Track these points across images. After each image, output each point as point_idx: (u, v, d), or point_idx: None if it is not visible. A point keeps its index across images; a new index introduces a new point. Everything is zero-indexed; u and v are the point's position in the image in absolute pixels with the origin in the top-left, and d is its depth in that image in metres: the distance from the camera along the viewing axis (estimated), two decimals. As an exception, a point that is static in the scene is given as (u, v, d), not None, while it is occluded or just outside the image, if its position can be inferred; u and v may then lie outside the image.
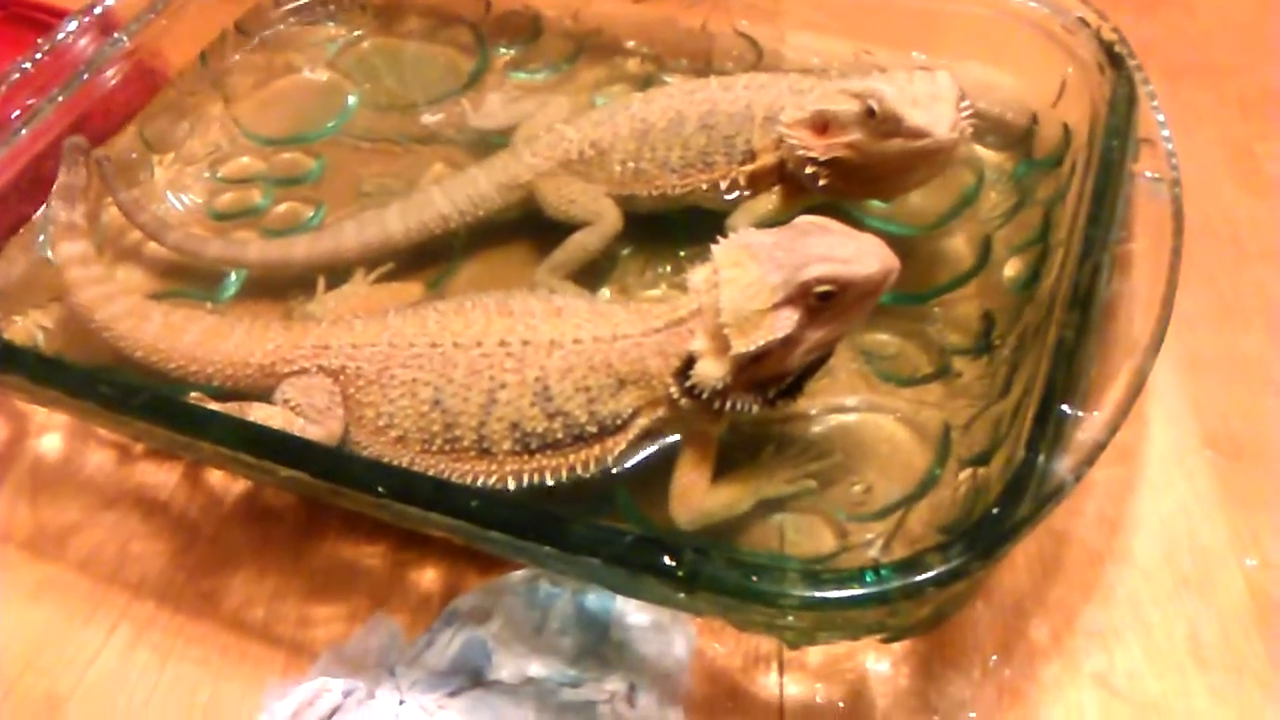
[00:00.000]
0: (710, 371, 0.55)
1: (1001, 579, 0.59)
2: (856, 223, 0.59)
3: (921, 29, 0.78)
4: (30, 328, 0.70)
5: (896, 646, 0.56)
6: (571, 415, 0.57)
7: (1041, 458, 0.50)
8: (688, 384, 0.56)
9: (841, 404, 0.64)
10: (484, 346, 0.58)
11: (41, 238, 0.73)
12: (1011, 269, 0.68)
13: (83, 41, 0.79)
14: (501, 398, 0.58)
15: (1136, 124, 0.64)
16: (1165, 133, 0.64)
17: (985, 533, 0.48)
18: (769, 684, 0.57)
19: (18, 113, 0.74)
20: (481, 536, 0.53)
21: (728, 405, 0.56)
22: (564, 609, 0.59)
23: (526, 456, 0.58)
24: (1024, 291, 0.66)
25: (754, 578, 0.47)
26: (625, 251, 0.73)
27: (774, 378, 0.56)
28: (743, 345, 0.54)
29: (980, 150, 0.75)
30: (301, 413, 0.61)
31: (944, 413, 0.63)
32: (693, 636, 0.58)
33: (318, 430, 0.61)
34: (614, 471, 0.60)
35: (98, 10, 0.80)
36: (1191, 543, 0.61)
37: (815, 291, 0.53)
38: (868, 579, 0.47)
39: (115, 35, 0.79)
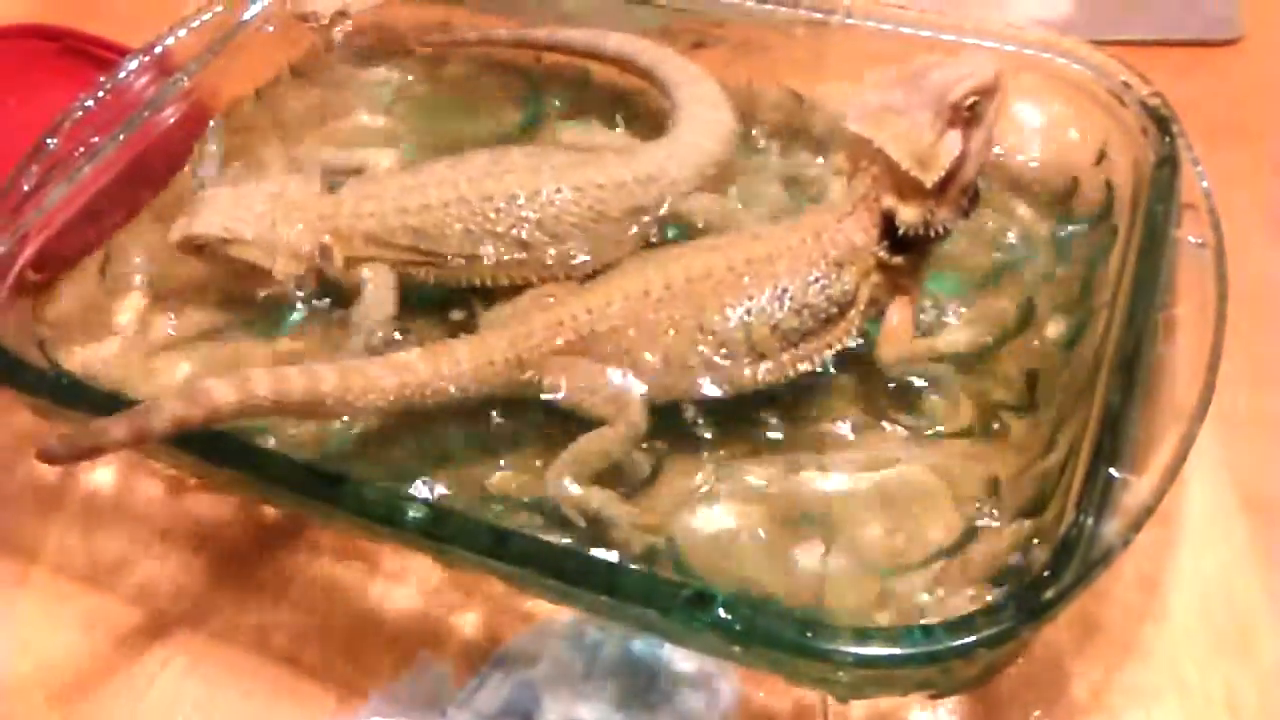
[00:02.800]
0: (912, 214, 0.64)
1: (1044, 635, 0.60)
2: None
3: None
4: (89, 359, 0.72)
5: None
6: (814, 305, 0.65)
7: (1090, 521, 0.51)
8: (897, 238, 0.65)
9: (887, 455, 0.65)
10: (715, 275, 0.66)
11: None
12: (1054, 329, 0.69)
13: (142, 80, 0.81)
14: (754, 308, 0.65)
15: (1180, 189, 0.66)
16: (1208, 198, 0.65)
17: (1037, 595, 0.49)
18: (813, 734, 0.58)
19: (81, 150, 0.75)
20: (537, 583, 0.54)
21: (934, 232, 0.65)
22: (611, 654, 0.60)
23: (793, 349, 0.66)
24: (1067, 351, 0.67)
25: (808, 634, 0.49)
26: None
27: (961, 192, 0.65)
28: (933, 175, 0.63)
29: (1021, 210, 0.76)
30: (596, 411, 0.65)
31: (987, 467, 0.64)
32: (738, 685, 0.59)
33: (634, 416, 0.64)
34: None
35: (157, 50, 0.82)
36: (1229, 603, 0.62)
37: (965, 106, 0.62)
38: (921, 638, 0.48)
39: (176, 76, 0.81)
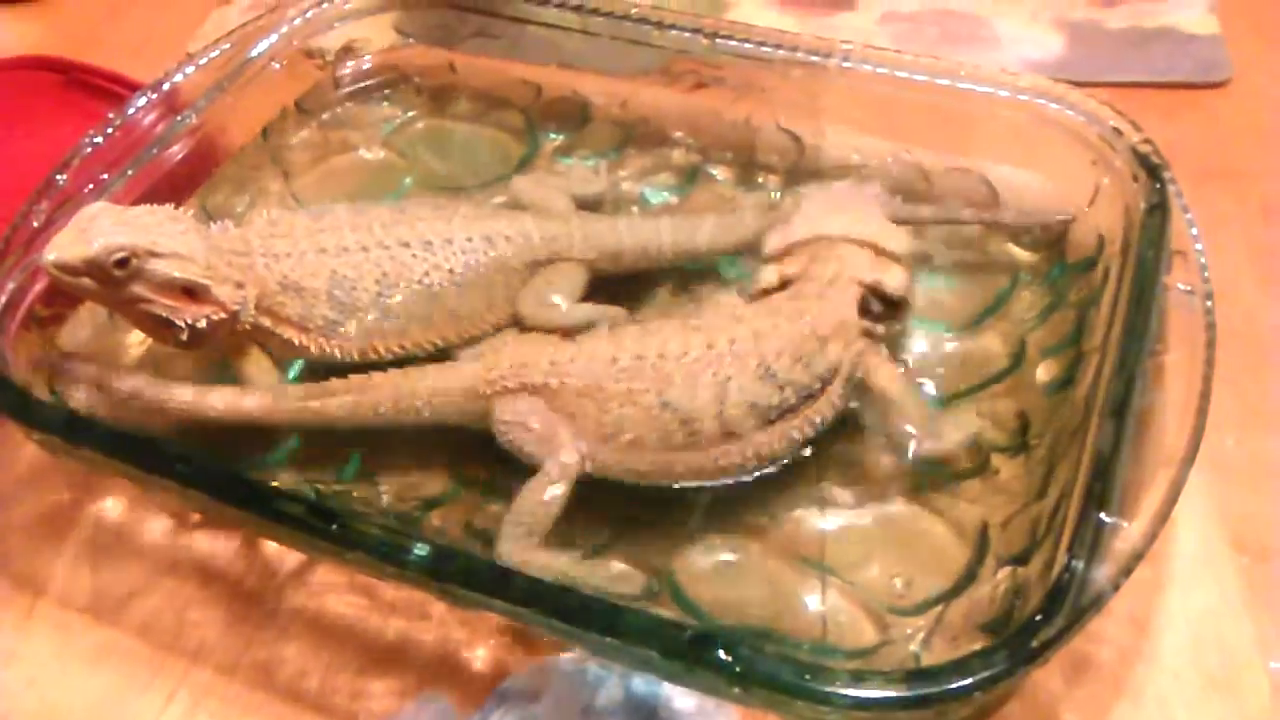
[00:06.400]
0: (897, 279, 0.68)
1: (1035, 674, 0.61)
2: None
3: (958, 131, 0.80)
4: (89, 403, 0.72)
5: (935, 740, 0.58)
6: (797, 381, 0.64)
7: (1081, 565, 0.52)
8: (878, 308, 0.68)
9: (881, 496, 0.66)
10: (692, 353, 0.64)
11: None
12: (1045, 371, 0.70)
13: (150, 117, 0.82)
14: (732, 387, 0.64)
15: (1170, 236, 0.67)
16: (1198, 245, 0.67)
17: (1030, 639, 0.50)
18: (809, 771, 0.58)
19: (90, 186, 0.76)
20: (541, 623, 0.55)
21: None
22: (612, 691, 0.61)
23: (769, 426, 0.64)
24: (1058, 393, 0.68)
25: (807, 676, 0.50)
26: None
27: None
28: (905, 241, 0.70)
29: (1014, 251, 0.78)
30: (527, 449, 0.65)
31: (981, 510, 0.65)
32: (736, 723, 0.60)
33: (564, 456, 0.64)
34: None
35: (165, 87, 0.83)
36: (1219, 644, 0.63)
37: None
38: (916, 681, 0.49)
39: (184, 112, 0.82)
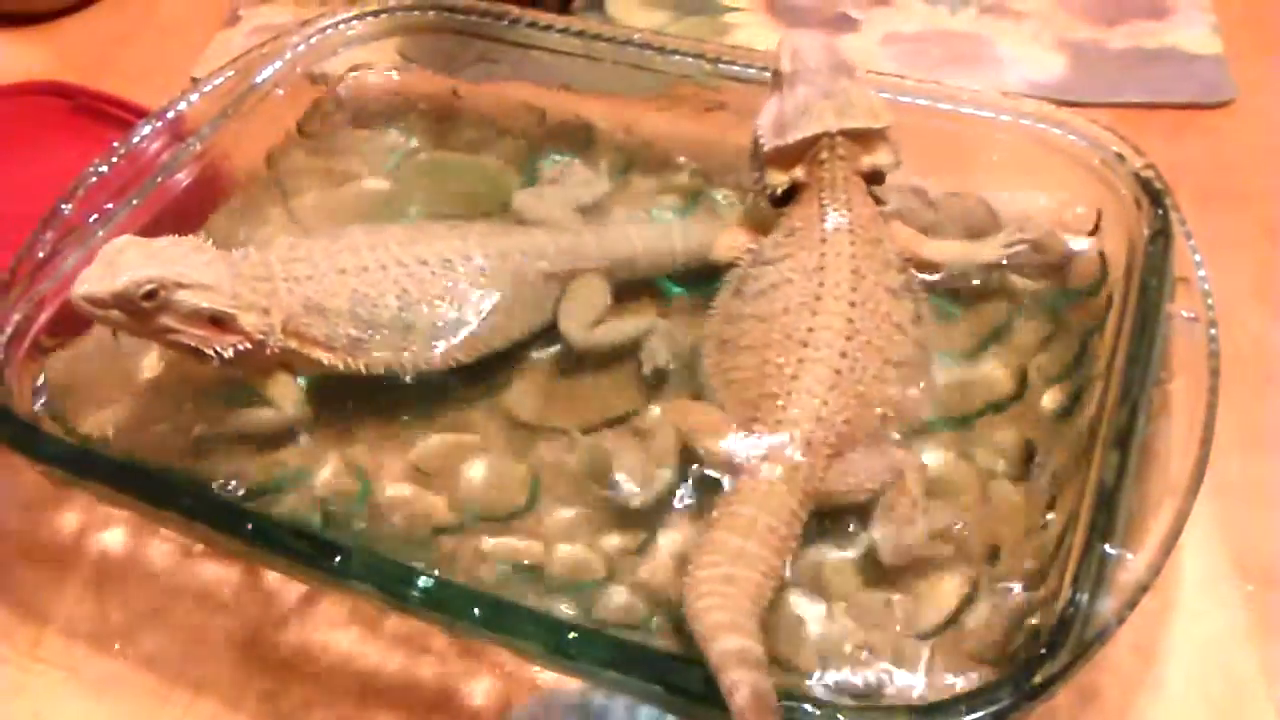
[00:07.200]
0: (887, 156, 0.72)
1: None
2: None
3: (959, 156, 0.80)
4: (103, 425, 0.73)
5: (940, 772, 0.58)
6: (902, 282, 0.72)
7: (1086, 598, 0.52)
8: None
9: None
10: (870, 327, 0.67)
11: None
12: (1049, 398, 0.70)
13: (155, 145, 0.83)
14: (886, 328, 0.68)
15: (1173, 263, 0.67)
16: (1201, 273, 0.66)
17: (1033, 674, 0.50)
18: (814, 804, 0.58)
19: (95, 216, 0.77)
20: (547, 660, 0.55)
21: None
22: (617, 724, 0.61)
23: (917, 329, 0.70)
24: (1062, 420, 0.68)
25: (808, 711, 0.49)
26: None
27: None
28: (887, 117, 0.72)
29: (1017, 278, 0.77)
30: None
31: (983, 537, 0.65)
32: (740, 755, 0.59)
33: None
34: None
35: (170, 114, 0.84)
36: (1224, 672, 0.63)
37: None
38: (919, 716, 0.49)
39: (189, 140, 0.83)
